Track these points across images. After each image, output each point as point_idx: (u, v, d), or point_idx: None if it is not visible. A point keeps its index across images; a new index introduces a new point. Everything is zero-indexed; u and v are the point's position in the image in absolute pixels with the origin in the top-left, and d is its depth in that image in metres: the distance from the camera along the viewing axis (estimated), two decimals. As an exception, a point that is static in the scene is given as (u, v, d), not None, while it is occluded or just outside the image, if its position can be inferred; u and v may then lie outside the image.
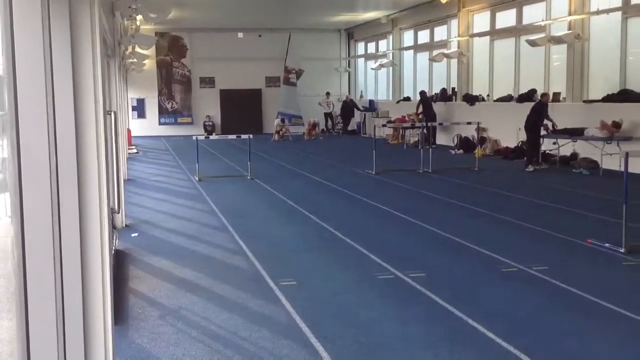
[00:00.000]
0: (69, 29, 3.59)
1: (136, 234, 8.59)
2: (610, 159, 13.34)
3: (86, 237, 3.73)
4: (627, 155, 7.25)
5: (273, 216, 10.08)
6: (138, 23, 17.18)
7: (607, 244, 7.41)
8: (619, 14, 14.86)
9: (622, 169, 7.43)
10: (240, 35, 29.55)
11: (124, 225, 8.97)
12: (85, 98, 3.67)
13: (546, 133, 15.03)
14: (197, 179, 13.87)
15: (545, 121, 14.92)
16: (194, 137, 14.51)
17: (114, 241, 7.48)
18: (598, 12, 15.33)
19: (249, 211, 10.44)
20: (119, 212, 6.79)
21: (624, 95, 14.47)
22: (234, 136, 17.14)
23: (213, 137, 18.78)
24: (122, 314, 5.45)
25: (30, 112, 2.90)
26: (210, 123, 29.83)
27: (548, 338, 4.86)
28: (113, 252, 7.06)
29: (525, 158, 15.34)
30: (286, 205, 10.82)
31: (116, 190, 6.64)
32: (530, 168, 14.73)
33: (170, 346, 4.78)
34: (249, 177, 14.00)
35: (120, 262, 7.13)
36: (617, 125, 13.89)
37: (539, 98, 15.47)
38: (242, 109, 30.07)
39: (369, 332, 4.98)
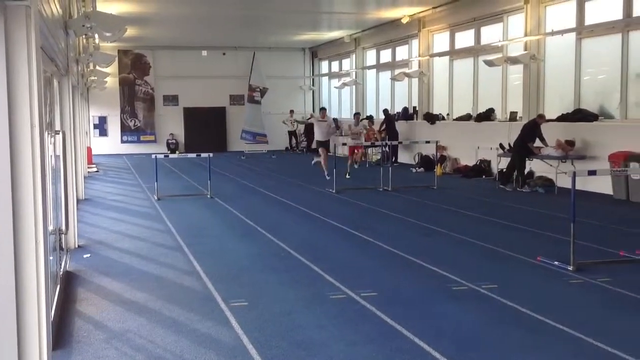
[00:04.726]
0: (4, 55, 3.57)
1: (88, 255, 8.47)
2: (565, 178, 13.57)
3: (21, 260, 3.69)
4: (574, 174, 7.41)
5: (230, 235, 10.04)
6: (97, 41, 17.06)
7: (556, 262, 7.54)
8: (573, 34, 15.21)
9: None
10: (204, 53, 29.55)
11: (76, 246, 8.84)
12: (21, 121, 3.65)
13: (536, 154, 14.44)
14: (156, 198, 13.76)
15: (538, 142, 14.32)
16: (153, 156, 14.41)
17: (64, 262, 7.37)
18: (553, 33, 15.68)
19: (205, 230, 10.38)
20: (66, 233, 6.68)
21: (579, 115, 14.78)
22: (194, 155, 17.08)
23: (174, 155, 18.67)
24: (66, 337, 5.36)
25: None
26: (174, 141, 29.68)
27: (494, 356, 4.91)
28: (62, 273, 6.96)
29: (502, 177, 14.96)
30: (244, 224, 10.79)
31: (65, 211, 6.58)
32: (509, 188, 14.58)
33: (113, 370, 4.71)
34: (208, 196, 13.94)
35: (69, 283, 7.02)
36: (571, 144, 14.18)
37: (534, 118, 14.78)
38: (206, 127, 29.98)
39: (317, 354, 4.98)
